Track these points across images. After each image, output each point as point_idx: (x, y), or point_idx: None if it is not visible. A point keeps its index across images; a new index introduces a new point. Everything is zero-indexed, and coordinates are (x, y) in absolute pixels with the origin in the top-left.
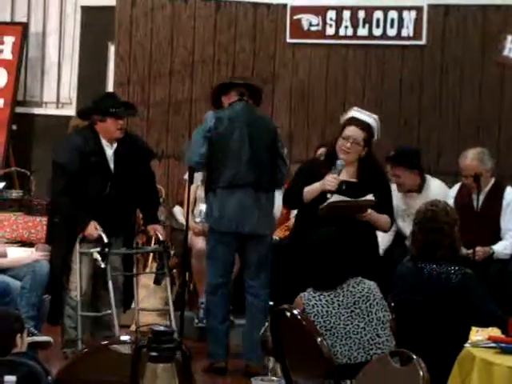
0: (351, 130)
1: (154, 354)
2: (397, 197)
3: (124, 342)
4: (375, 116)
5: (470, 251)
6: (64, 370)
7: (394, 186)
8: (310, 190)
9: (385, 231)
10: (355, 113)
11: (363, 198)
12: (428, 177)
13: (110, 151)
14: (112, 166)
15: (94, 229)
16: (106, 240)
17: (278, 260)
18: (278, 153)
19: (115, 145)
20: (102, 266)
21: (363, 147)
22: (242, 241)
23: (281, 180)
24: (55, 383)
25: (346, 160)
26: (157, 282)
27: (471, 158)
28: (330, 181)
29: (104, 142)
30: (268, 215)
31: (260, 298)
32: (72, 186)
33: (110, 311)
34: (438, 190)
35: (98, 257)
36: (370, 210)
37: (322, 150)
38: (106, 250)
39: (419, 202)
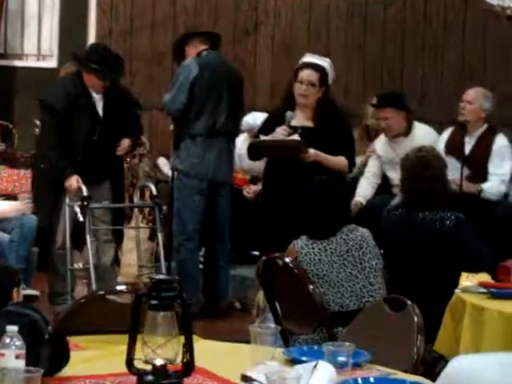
0: (305, 73)
1: (154, 302)
2: (384, 145)
3: (121, 292)
4: (327, 59)
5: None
6: (61, 321)
7: (382, 137)
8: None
9: (343, 172)
10: (307, 58)
11: (289, 138)
12: (415, 122)
13: (97, 96)
14: (100, 110)
15: (74, 181)
16: (85, 193)
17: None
18: (242, 102)
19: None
20: (81, 219)
21: (319, 88)
22: (211, 189)
23: (239, 128)
24: (54, 332)
25: (304, 103)
26: (152, 237)
27: (475, 89)
28: (281, 132)
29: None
30: (232, 163)
31: (225, 241)
32: (61, 128)
33: (88, 266)
34: (425, 135)
35: (78, 210)
36: (312, 151)
37: None
38: (85, 203)
39: (407, 147)
